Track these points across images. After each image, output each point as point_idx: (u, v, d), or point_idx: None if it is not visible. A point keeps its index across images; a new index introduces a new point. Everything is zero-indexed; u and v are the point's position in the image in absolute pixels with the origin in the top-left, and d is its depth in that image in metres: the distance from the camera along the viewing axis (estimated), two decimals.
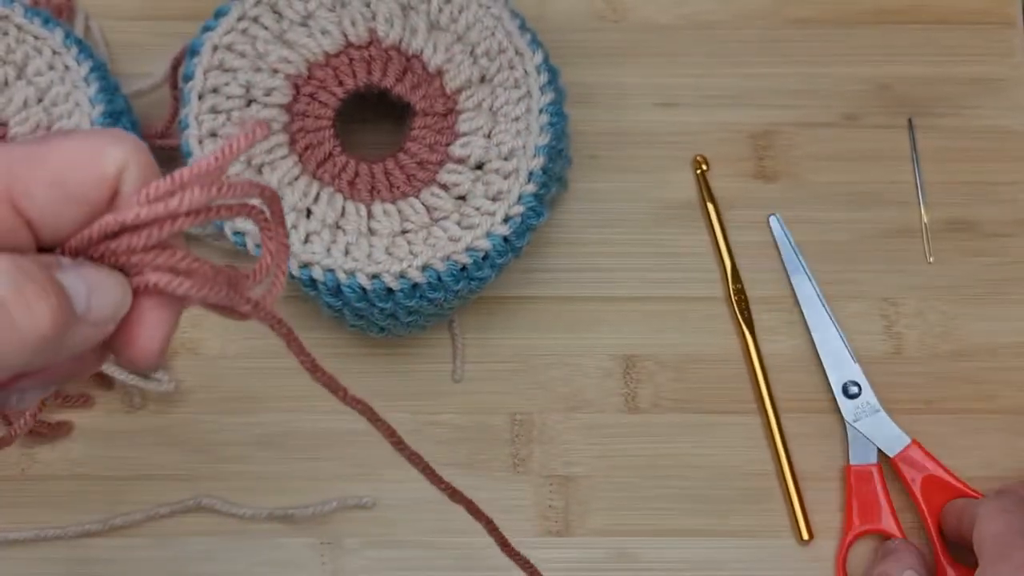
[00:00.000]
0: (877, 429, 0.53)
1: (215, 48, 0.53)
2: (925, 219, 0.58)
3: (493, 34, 0.53)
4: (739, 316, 0.56)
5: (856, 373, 0.54)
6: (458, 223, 0.51)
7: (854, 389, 0.54)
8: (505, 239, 0.51)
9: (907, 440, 0.53)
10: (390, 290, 0.50)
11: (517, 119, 0.52)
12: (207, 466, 0.55)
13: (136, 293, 0.27)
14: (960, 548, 0.51)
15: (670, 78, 0.60)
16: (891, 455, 0.53)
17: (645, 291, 0.57)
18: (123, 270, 0.27)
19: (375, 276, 0.49)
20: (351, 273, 0.49)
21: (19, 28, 0.52)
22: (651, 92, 0.60)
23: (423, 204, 0.51)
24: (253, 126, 0.27)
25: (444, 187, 0.51)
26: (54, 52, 0.52)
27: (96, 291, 0.26)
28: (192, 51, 0.53)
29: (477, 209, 0.51)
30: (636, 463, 0.55)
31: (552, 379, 0.56)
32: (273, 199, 0.29)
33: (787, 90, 0.60)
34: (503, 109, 0.52)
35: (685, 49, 0.60)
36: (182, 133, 0.52)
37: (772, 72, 0.60)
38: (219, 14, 0.53)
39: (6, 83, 0.52)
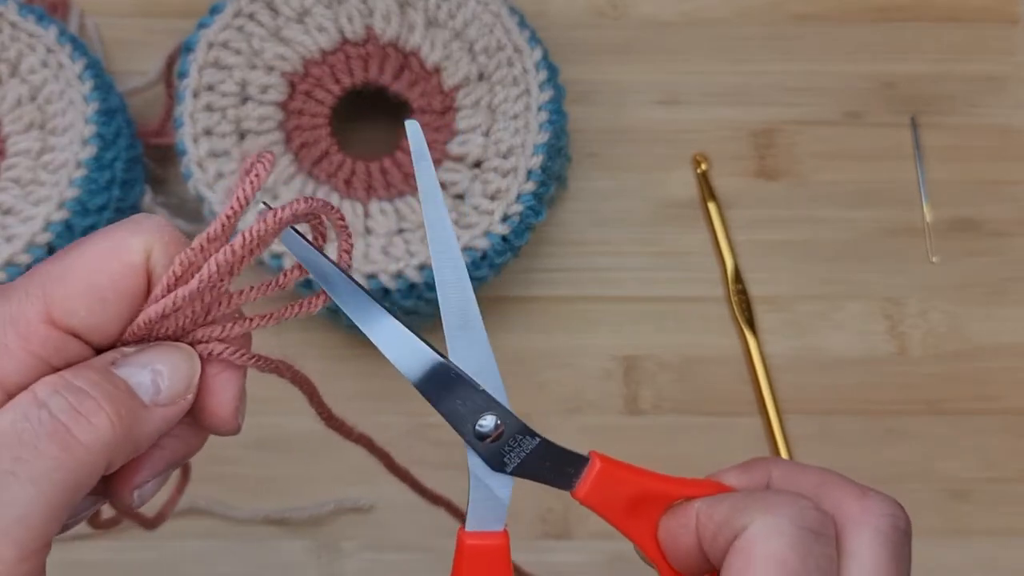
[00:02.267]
0: (538, 466, 0.34)
1: (210, 45, 0.52)
2: (928, 218, 0.58)
3: (491, 31, 0.52)
4: (740, 317, 0.56)
5: (496, 390, 0.33)
6: (456, 222, 0.50)
7: (489, 425, 0.33)
8: (504, 238, 0.50)
9: (584, 460, 0.35)
10: (387, 290, 0.49)
11: (516, 117, 0.51)
12: (202, 468, 0.54)
13: (202, 361, 0.28)
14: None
15: (671, 75, 0.60)
16: (570, 489, 0.35)
17: (645, 291, 0.57)
18: (187, 342, 0.28)
19: (371, 276, 0.49)
20: None
21: (13, 25, 0.52)
22: (651, 90, 0.59)
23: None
24: (254, 161, 0.27)
25: (442, 185, 0.51)
26: (48, 50, 0.52)
27: (164, 371, 0.27)
28: (187, 48, 0.52)
29: (475, 208, 0.50)
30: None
31: (552, 380, 0.55)
32: (326, 209, 0.29)
33: (789, 88, 0.59)
34: (501, 107, 0.52)
35: (686, 46, 0.60)
36: (177, 131, 0.51)
37: (774, 69, 0.60)
38: (214, 11, 0.53)
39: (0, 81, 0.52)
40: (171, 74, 0.56)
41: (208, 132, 0.51)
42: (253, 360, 0.29)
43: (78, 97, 0.51)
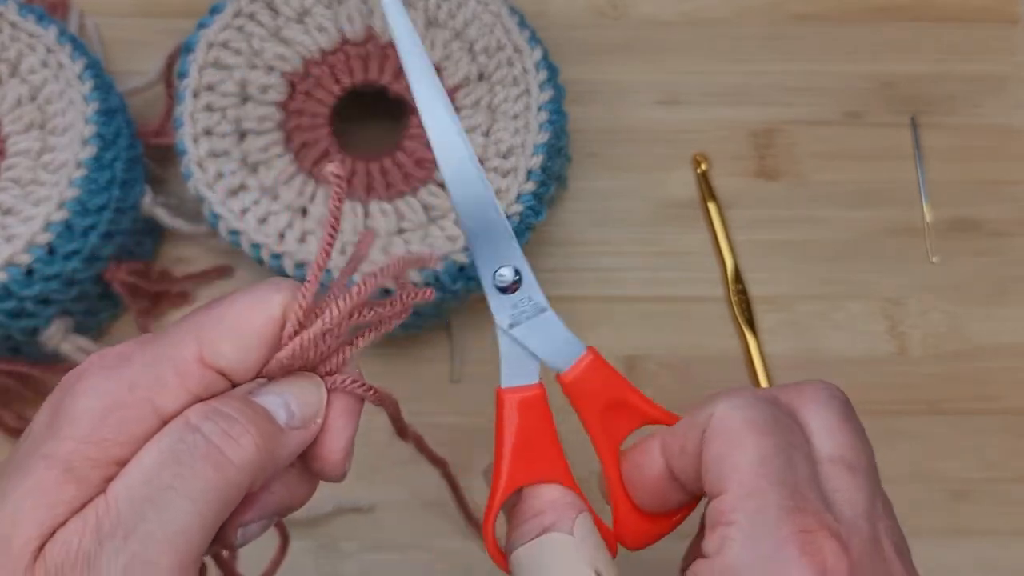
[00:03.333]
0: (541, 337, 0.36)
1: (210, 45, 0.52)
2: (928, 218, 0.58)
3: (491, 31, 0.52)
4: (740, 317, 0.56)
5: (514, 251, 0.35)
6: (456, 222, 0.50)
7: (508, 276, 0.35)
8: None
9: (581, 349, 0.37)
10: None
11: (516, 117, 0.51)
12: None
13: (328, 394, 0.32)
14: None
15: (671, 75, 0.60)
16: (560, 371, 0.37)
17: (645, 291, 0.57)
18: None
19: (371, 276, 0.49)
20: None
21: (13, 25, 0.52)
22: (651, 89, 0.59)
23: (420, 203, 0.51)
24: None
25: (442, 186, 0.51)
26: (48, 50, 0.52)
27: (297, 397, 0.31)
28: (187, 48, 0.52)
29: None
30: None
31: (551, 380, 0.55)
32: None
33: (789, 87, 0.59)
34: (502, 107, 0.52)
35: (686, 46, 0.60)
36: (177, 131, 0.51)
37: (774, 69, 0.60)
38: (214, 11, 0.53)
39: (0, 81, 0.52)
40: (171, 74, 0.56)
41: (208, 132, 0.51)
42: (372, 392, 0.33)
43: (78, 97, 0.51)
